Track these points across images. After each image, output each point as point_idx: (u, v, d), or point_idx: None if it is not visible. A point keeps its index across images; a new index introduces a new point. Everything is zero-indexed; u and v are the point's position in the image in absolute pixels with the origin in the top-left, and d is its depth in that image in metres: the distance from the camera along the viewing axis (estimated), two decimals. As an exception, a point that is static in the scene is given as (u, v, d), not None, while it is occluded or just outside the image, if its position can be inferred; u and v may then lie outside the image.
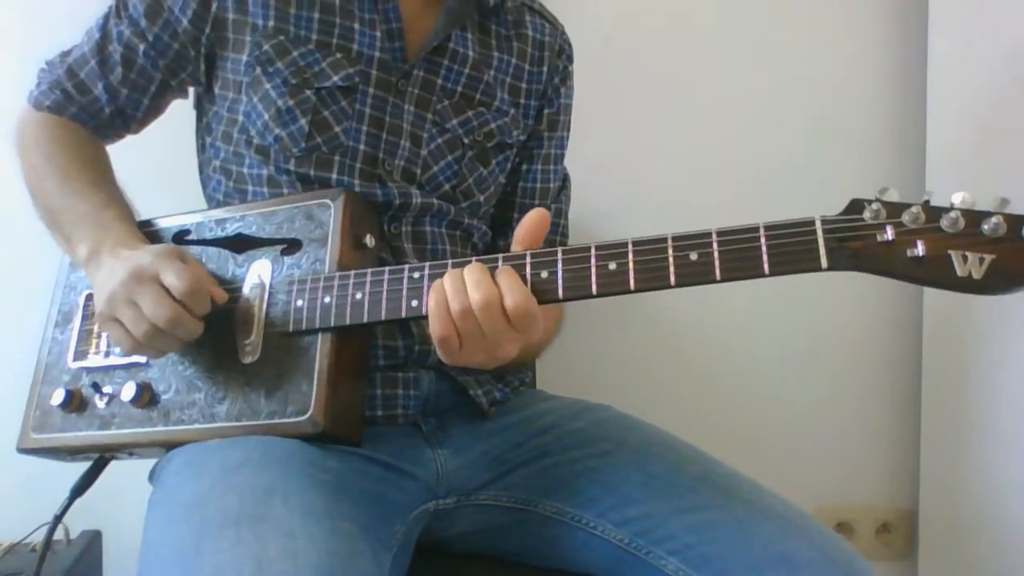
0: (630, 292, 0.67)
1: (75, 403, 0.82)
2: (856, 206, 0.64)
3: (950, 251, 0.60)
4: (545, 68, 0.98)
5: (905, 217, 0.62)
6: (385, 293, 0.74)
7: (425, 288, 0.73)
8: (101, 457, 0.85)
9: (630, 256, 0.67)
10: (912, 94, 1.36)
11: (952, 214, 0.60)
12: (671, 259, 0.66)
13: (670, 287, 0.66)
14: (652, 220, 1.36)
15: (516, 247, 0.71)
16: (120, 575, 1.18)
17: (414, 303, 0.73)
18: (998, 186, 1.16)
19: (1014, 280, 0.58)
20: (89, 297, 0.87)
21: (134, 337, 0.74)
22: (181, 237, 0.86)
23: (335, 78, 0.85)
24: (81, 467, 0.85)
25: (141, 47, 0.88)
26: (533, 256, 0.70)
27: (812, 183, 1.37)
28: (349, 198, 0.81)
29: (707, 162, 1.40)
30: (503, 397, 0.90)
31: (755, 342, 1.36)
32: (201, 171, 0.96)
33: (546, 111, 0.99)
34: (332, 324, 0.75)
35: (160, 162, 1.13)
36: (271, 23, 0.85)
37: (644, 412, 0.88)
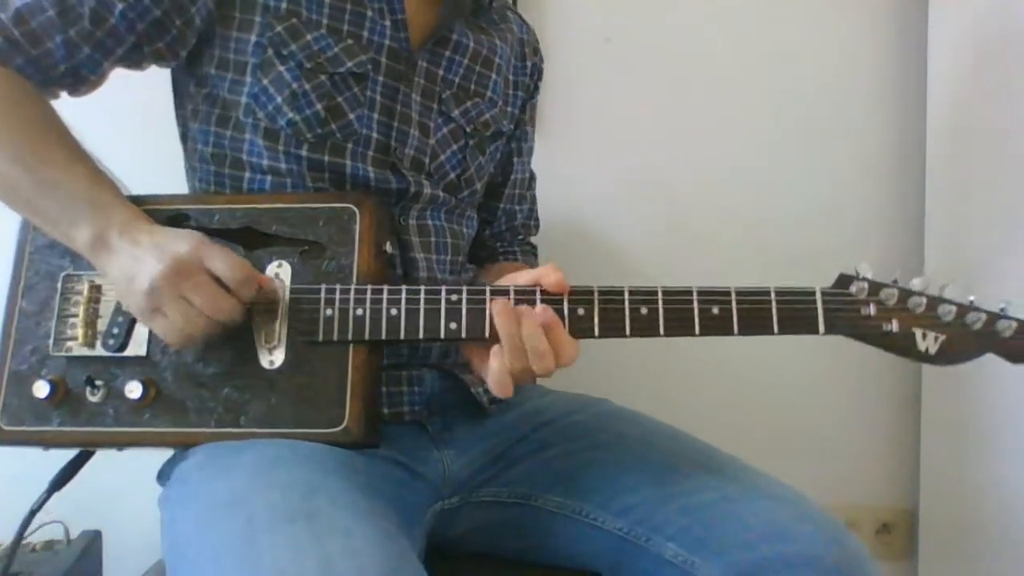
0: (660, 336, 0.77)
1: (60, 396, 0.77)
2: (844, 281, 0.77)
3: (914, 328, 0.75)
4: (528, 64, 1.05)
5: (882, 295, 0.76)
6: (423, 312, 0.77)
7: (464, 311, 0.77)
8: (83, 451, 0.81)
9: (660, 303, 0.76)
10: (912, 93, 1.37)
11: (918, 298, 0.75)
12: (696, 311, 0.76)
13: (694, 335, 0.76)
14: (651, 219, 1.41)
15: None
16: (120, 575, 1.11)
17: (452, 325, 0.77)
18: (997, 184, 1.26)
19: (958, 357, 0.75)
20: (68, 279, 0.80)
21: (186, 332, 0.72)
22: (178, 223, 0.81)
23: (349, 64, 0.85)
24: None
25: (119, 7, 0.79)
26: (571, 293, 0.77)
27: (812, 182, 1.40)
28: (373, 205, 0.81)
29: (707, 161, 1.42)
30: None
31: (754, 341, 1.39)
32: (187, 160, 0.91)
33: (528, 104, 1.06)
34: (366, 337, 0.77)
35: (152, 150, 1.01)
36: (284, 4, 0.82)
37: (643, 411, 0.93)
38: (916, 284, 0.77)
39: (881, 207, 1.41)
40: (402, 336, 0.77)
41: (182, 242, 0.73)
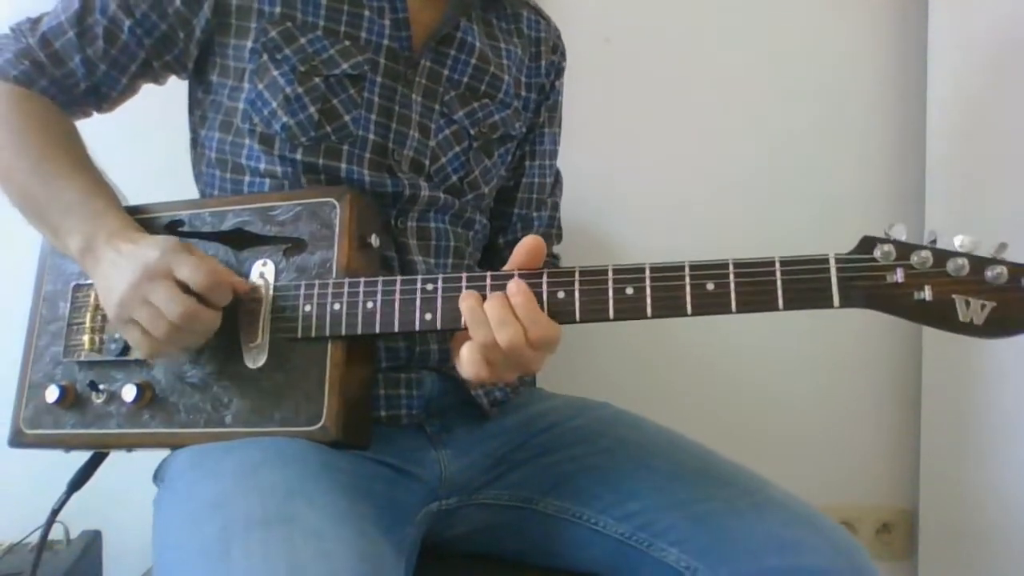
0: (646, 318, 0.69)
1: (70, 400, 0.80)
2: (867, 244, 0.66)
3: (954, 296, 0.63)
4: (543, 63, 0.99)
5: (914, 259, 0.64)
6: (398, 304, 0.74)
7: (439, 300, 0.73)
8: (97, 452, 0.84)
9: (647, 282, 0.68)
10: (912, 92, 1.36)
11: (959, 260, 0.63)
12: (688, 288, 0.67)
13: (686, 315, 0.68)
14: (652, 220, 1.38)
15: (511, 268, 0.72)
16: (120, 575, 1.17)
17: (428, 316, 0.73)
18: (997, 184, 1.19)
19: (1011, 327, 0.62)
20: (77, 288, 0.84)
21: (154, 337, 0.72)
22: (173, 228, 0.83)
23: (344, 66, 0.83)
24: (78, 462, 0.84)
25: (127, 23, 0.83)
26: (550, 275, 0.71)
27: (812, 182, 1.38)
28: (354, 197, 0.79)
29: (707, 162, 1.40)
30: (503, 397, 0.91)
31: (755, 341, 1.35)
32: (195, 167, 0.93)
33: (544, 107, 1.00)
34: (343, 333, 0.75)
35: (162, 159, 1.06)
36: (278, 9, 0.82)
37: (644, 412, 0.90)
38: (962, 243, 0.65)
39: (881, 207, 1.39)
40: (378, 329, 0.74)
41: (154, 249, 0.73)
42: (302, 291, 0.77)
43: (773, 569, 0.70)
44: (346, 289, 0.75)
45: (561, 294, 0.70)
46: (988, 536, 1.29)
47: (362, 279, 0.75)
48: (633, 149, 1.40)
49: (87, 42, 0.84)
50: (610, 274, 0.70)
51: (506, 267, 0.72)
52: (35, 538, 0.86)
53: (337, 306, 0.75)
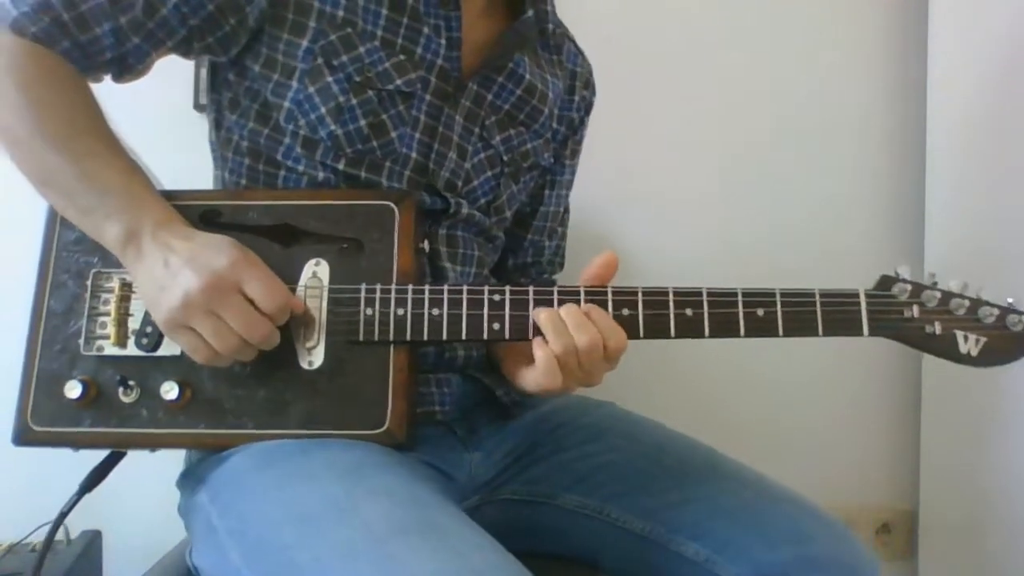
0: (703, 337, 0.76)
1: (91, 396, 0.75)
2: (886, 282, 0.77)
3: (956, 331, 0.76)
4: (576, 98, 1.01)
5: (924, 296, 0.76)
6: (465, 313, 0.76)
7: (507, 311, 0.76)
8: (114, 452, 0.79)
9: (705, 306, 0.76)
10: (912, 94, 1.38)
11: (959, 300, 0.76)
12: (741, 313, 0.76)
13: (739, 337, 0.76)
14: (652, 220, 1.40)
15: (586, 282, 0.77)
16: (120, 575, 1.09)
17: (496, 326, 0.76)
18: (997, 183, 1.25)
19: (999, 359, 0.76)
20: (97, 276, 0.78)
21: (215, 349, 0.70)
22: (211, 219, 0.79)
23: (398, 81, 0.83)
24: (84, 463, 0.78)
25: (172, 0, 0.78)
26: (615, 293, 0.76)
27: (812, 183, 1.40)
28: (411, 203, 0.80)
29: (707, 162, 1.41)
30: (520, 398, 0.93)
31: (755, 342, 1.38)
32: (216, 149, 0.88)
33: (571, 140, 1.03)
34: (408, 338, 0.76)
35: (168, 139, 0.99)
36: (341, 12, 0.80)
37: (643, 410, 0.94)
38: (954, 285, 0.78)
39: (881, 207, 1.41)
40: (444, 337, 0.76)
41: (220, 256, 0.71)
42: (362, 294, 0.77)
43: (787, 559, 0.76)
44: (410, 295, 0.77)
45: (626, 311, 0.76)
46: (988, 536, 1.30)
47: (427, 287, 0.77)
48: (632, 149, 1.40)
49: (120, 10, 0.77)
50: (671, 296, 0.76)
51: (581, 279, 0.76)
52: (35, 538, 0.80)
53: (401, 311, 0.76)
